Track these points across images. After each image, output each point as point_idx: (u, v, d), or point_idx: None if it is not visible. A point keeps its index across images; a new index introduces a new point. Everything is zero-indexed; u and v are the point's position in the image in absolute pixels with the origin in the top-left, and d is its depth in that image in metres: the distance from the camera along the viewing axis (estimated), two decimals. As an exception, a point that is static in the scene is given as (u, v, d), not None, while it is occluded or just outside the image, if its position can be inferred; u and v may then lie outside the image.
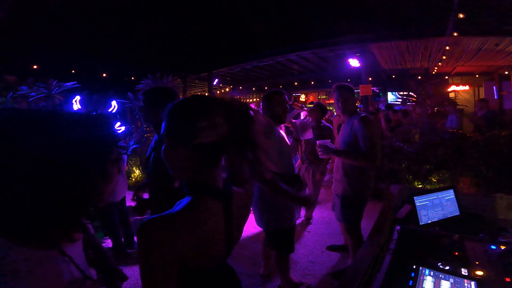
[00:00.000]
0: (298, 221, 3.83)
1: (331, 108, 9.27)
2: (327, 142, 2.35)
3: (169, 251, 0.66)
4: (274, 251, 2.28)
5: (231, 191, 0.85)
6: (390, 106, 7.20)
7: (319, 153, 2.34)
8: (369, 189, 2.31)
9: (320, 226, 3.69)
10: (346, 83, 2.38)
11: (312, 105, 4.01)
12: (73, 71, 7.31)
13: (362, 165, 2.22)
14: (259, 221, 2.14)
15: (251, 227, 3.70)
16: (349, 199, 2.30)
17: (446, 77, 10.30)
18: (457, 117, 5.68)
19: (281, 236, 2.09)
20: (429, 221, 1.51)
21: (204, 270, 0.77)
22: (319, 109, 3.60)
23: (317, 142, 2.35)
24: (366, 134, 2.12)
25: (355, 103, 2.40)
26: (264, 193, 2.00)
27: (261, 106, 2.26)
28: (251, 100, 15.74)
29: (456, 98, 9.63)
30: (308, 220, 3.79)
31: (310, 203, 1.85)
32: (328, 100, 14.54)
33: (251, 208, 1.09)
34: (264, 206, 2.05)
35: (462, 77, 10.49)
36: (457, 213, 1.59)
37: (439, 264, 1.10)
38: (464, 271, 1.05)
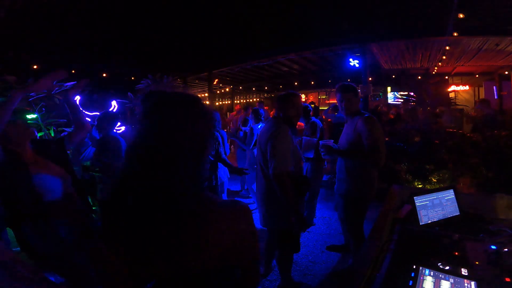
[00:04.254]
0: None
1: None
2: (330, 142, 2.34)
3: None
4: (278, 250, 2.27)
5: None
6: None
7: (322, 154, 2.33)
8: (373, 189, 2.30)
9: (320, 226, 3.69)
10: (349, 83, 2.37)
11: (313, 105, 4.04)
12: (73, 71, 7.30)
13: (366, 165, 2.22)
14: (267, 221, 2.12)
15: (251, 227, 3.70)
16: (353, 199, 2.30)
17: (446, 77, 10.31)
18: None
19: (287, 236, 2.09)
20: (429, 221, 1.51)
21: None
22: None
23: (320, 142, 2.34)
24: (370, 135, 2.12)
25: (358, 103, 2.37)
26: (272, 192, 1.99)
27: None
28: (251, 100, 15.73)
29: (456, 98, 9.63)
30: (309, 221, 3.76)
31: None
32: (328, 100, 14.54)
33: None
34: (272, 205, 2.04)
35: (462, 77, 10.50)
36: (457, 213, 1.59)
37: (439, 264, 1.10)
38: (464, 271, 1.05)
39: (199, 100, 0.79)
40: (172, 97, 0.77)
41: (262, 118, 4.42)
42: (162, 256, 0.72)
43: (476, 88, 10.73)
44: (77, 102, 4.64)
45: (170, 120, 0.73)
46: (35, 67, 6.73)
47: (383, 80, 11.11)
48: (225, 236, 0.74)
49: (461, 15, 4.71)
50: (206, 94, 11.82)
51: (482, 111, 5.68)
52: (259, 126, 4.31)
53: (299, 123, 5.61)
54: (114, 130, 3.09)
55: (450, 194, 1.63)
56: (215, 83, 9.63)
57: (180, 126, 0.73)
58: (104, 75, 8.13)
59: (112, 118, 2.92)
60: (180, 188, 0.72)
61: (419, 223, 1.48)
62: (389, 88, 12.40)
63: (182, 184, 0.72)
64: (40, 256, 1.73)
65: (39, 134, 4.04)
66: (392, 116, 6.06)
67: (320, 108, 11.55)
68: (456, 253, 1.18)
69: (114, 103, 5.29)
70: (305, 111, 3.69)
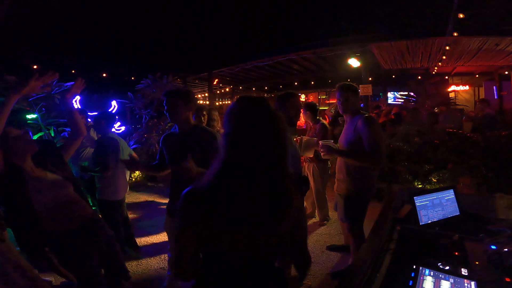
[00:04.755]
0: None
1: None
2: (330, 142, 2.34)
3: None
4: None
5: None
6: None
7: (322, 153, 2.33)
8: (372, 189, 2.30)
9: (320, 226, 3.69)
10: (349, 83, 2.37)
11: None
12: (73, 71, 7.30)
13: (366, 165, 2.22)
14: None
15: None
16: (352, 198, 2.29)
17: (446, 77, 10.31)
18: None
19: None
20: (429, 221, 1.51)
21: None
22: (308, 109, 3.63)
23: (320, 142, 2.34)
24: (370, 135, 2.11)
25: (358, 102, 2.35)
26: None
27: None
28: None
29: (456, 98, 9.64)
30: (323, 220, 3.76)
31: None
32: (328, 100, 14.55)
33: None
34: None
35: (462, 77, 10.51)
36: (457, 213, 1.59)
37: (439, 264, 1.10)
38: (464, 271, 1.05)
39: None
40: (263, 102, 0.94)
41: None
42: (258, 230, 0.88)
43: (476, 88, 10.73)
44: (77, 102, 4.64)
45: (271, 121, 0.91)
46: (35, 67, 6.73)
47: (383, 80, 11.12)
48: (296, 213, 0.95)
49: (461, 15, 4.71)
50: (206, 94, 11.82)
51: (482, 111, 5.68)
52: None
53: (300, 123, 5.59)
54: (113, 130, 3.08)
55: (450, 194, 1.63)
56: (215, 83, 9.63)
57: (277, 126, 0.91)
58: (104, 75, 8.13)
59: (108, 118, 2.91)
60: (279, 174, 0.91)
61: (419, 223, 1.48)
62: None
63: (280, 171, 0.91)
64: (40, 256, 1.74)
65: (39, 134, 4.05)
66: (392, 117, 6.05)
67: (320, 108, 11.54)
68: (456, 253, 1.18)
69: (114, 103, 5.29)
70: (313, 109, 3.65)
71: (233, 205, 0.87)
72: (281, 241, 0.95)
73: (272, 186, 0.89)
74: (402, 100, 10.80)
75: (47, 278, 2.35)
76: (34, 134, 3.92)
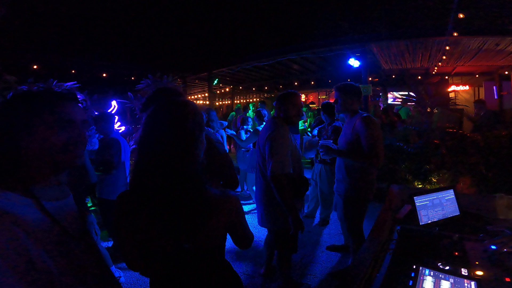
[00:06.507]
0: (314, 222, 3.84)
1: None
2: (329, 142, 2.34)
3: None
4: (276, 250, 2.28)
5: None
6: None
7: (321, 153, 2.33)
8: (372, 189, 2.30)
9: (320, 226, 3.69)
10: (346, 83, 2.37)
11: (314, 105, 3.99)
12: (73, 71, 7.29)
13: (364, 165, 2.22)
14: (265, 221, 2.12)
15: (252, 227, 3.70)
16: (351, 199, 2.29)
17: (446, 77, 10.30)
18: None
19: (284, 236, 2.08)
20: (429, 221, 1.51)
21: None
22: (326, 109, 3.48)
23: (319, 142, 2.34)
24: (368, 135, 2.11)
25: (356, 102, 2.34)
26: (270, 192, 1.99)
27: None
28: (251, 100, 15.74)
29: (456, 98, 9.61)
30: (323, 221, 3.76)
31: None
32: (328, 100, 14.54)
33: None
34: (271, 205, 2.04)
35: (462, 77, 10.49)
36: (457, 213, 1.59)
37: (439, 264, 1.10)
38: (464, 271, 1.05)
39: (187, 105, 0.95)
40: (168, 105, 0.93)
41: (266, 119, 4.41)
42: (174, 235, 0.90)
43: (476, 88, 10.71)
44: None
45: (165, 123, 0.91)
46: (35, 67, 6.72)
47: (383, 80, 11.11)
48: (225, 217, 0.96)
49: (461, 15, 4.71)
50: (206, 94, 11.81)
51: (480, 112, 5.69)
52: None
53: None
54: (114, 130, 3.07)
55: (450, 194, 1.63)
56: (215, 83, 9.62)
57: (171, 128, 0.90)
58: (104, 75, 8.12)
59: (107, 119, 2.91)
60: (186, 177, 0.90)
61: (419, 223, 1.48)
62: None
63: (188, 174, 0.90)
64: None
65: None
66: (395, 118, 6.06)
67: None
68: (456, 253, 1.18)
69: (114, 103, 5.28)
70: (331, 109, 3.38)
71: (149, 208, 0.89)
72: (216, 243, 0.97)
73: (181, 190, 0.89)
74: (401, 100, 10.79)
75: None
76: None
